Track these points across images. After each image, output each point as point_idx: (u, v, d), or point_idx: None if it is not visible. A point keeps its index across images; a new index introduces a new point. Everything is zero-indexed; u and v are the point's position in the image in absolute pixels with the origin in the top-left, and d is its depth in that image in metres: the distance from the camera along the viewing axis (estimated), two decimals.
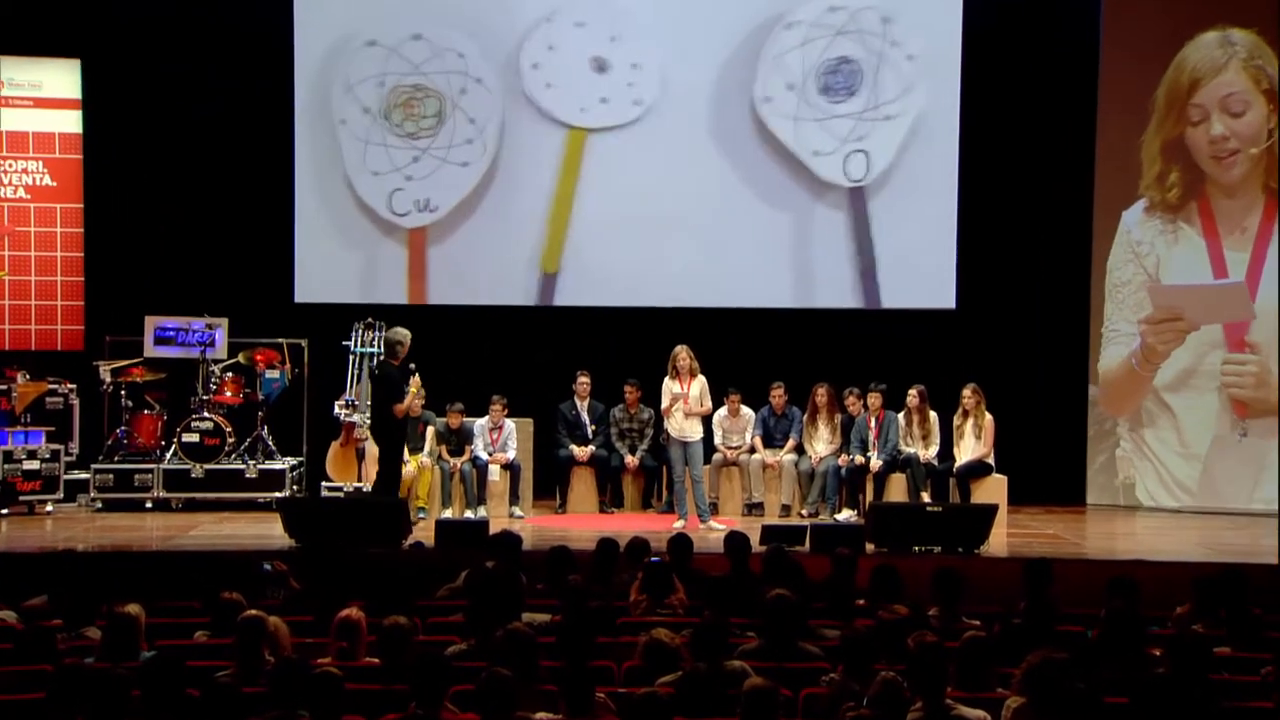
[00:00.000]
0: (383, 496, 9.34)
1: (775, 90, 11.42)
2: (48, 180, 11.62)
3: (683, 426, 9.90)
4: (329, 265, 11.57)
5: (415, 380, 9.49)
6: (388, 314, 10.85)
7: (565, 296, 11.58)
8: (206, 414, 10.72)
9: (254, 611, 5.41)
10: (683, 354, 9.89)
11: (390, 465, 9.52)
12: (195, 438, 10.67)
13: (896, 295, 11.54)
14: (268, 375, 11.04)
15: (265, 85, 11.53)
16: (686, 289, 11.53)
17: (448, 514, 10.36)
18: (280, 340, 11.23)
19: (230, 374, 10.99)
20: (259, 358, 11.06)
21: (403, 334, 9.53)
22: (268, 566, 7.06)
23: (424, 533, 9.11)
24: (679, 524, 9.77)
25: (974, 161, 11.48)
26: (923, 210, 11.42)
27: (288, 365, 11.14)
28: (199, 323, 10.98)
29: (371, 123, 11.45)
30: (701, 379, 9.96)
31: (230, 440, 10.72)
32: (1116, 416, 11.60)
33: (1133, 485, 11.50)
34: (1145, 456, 11.45)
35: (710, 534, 9.58)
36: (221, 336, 11.01)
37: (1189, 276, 11.23)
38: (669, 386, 9.95)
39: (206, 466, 10.62)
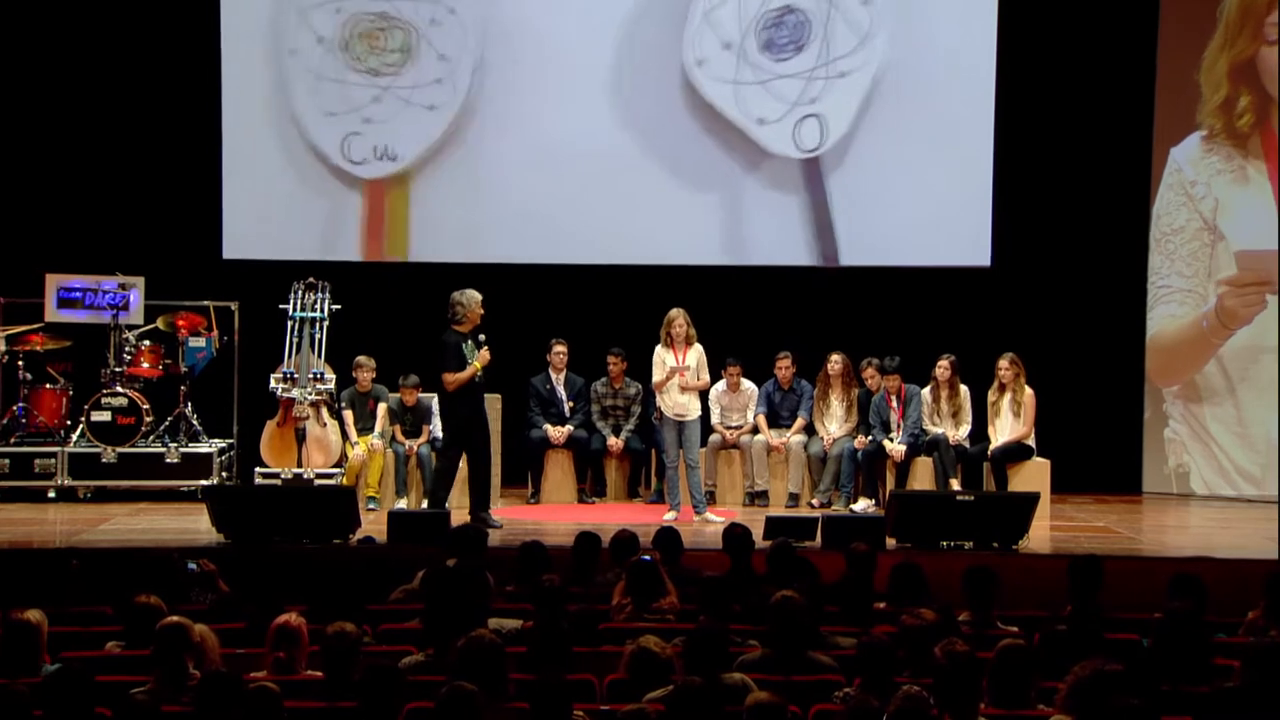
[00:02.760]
0: (439, 494, 9.47)
1: (710, 51, 11.37)
2: None
3: (678, 403, 9.89)
4: (263, 215, 11.53)
5: (484, 353, 9.43)
6: (332, 272, 10.81)
7: (530, 252, 11.55)
8: (119, 388, 10.68)
9: (176, 618, 5.39)
10: (679, 318, 9.88)
11: (449, 453, 9.53)
12: (106, 416, 10.63)
13: (918, 252, 11.54)
14: (191, 343, 11.00)
15: (189, 2, 11.44)
16: (675, 247, 11.55)
17: (402, 504, 10.37)
18: (206, 303, 11.19)
19: (147, 342, 10.95)
20: (181, 323, 11.01)
21: (465, 296, 9.50)
22: (193, 566, 7.06)
23: (375, 526, 9.11)
24: (670, 515, 9.79)
25: (1009, 98, 11.43)
26: (947, 156, 11.41)
27: (215, 332, 11.10)
28: (110, 282, 10.92)
29: (326, 54, 11.37)
30: (699, 348, 9.96)
31: (148, 419, 10.69)
32: (1166, 386, 11.61)
33: (1187, 474, 11.52)
34: (1200, 439, 11.46)
35: (706, 527, 9.60)
36: (137, 298, 10.96)
37: (1253, 223, 11.15)
38: (662, 356, 9.93)
39: (120, 450, 10.59)
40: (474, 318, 9.51)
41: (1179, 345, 11.53)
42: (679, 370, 9.83)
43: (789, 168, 11.49)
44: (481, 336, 9.50)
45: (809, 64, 11.39)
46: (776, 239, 11.56)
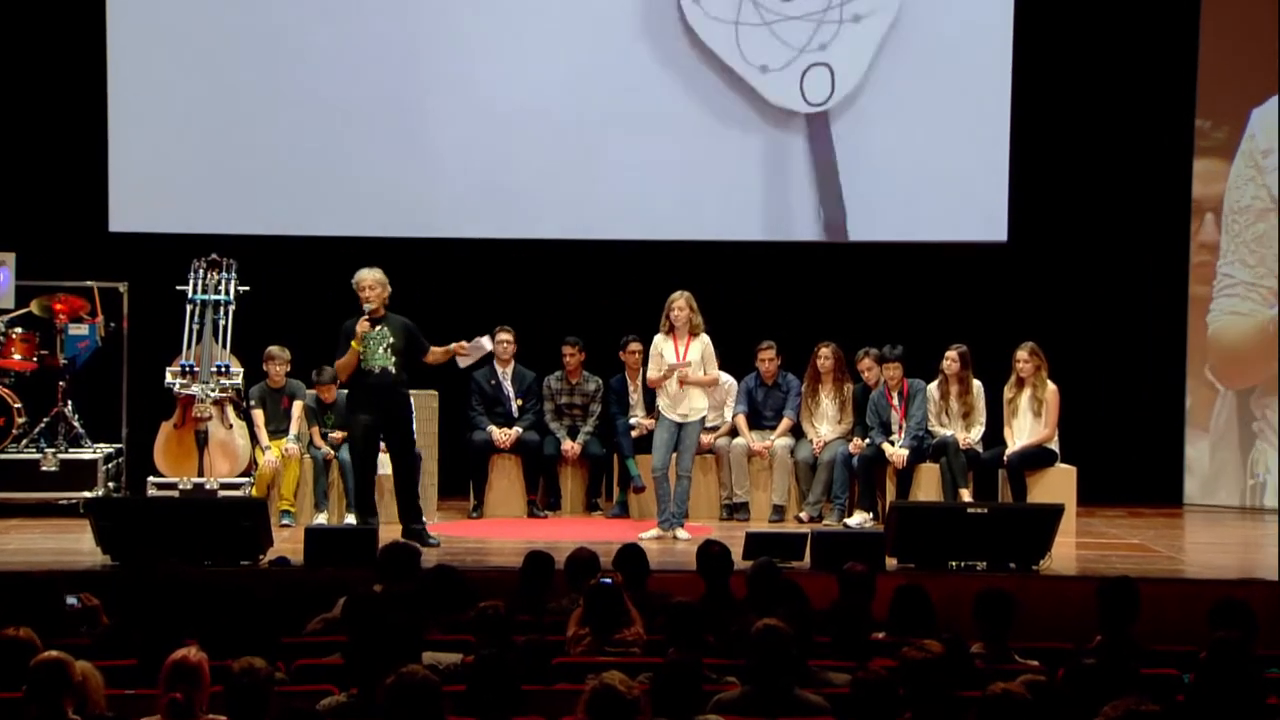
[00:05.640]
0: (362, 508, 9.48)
1: None
2: None
3: (676, 401, 9.89)
4: (157, 181, 11.47)
5: (360, 323, 9.35)
6: (239, 248, 10.76)
7: (476, 226, 11.53)
8: None
9: (53, 653, 5.35)
10: (679, 301, 9.90)
11: (353, 457, 9.55)
12: None
13: (922, 225, 11.59)
14: (72, 331, 10.94)
15: None
16: (640, 219, 11.57)
17: (322, 519, 10.35)
18: (90, 283, 11.13)
19: (19, 329, 10.88)
20: (60, 307, 10.95)
21: (360, 275, 9.46)
22: (73, 601, 7.01)
23: (290, 545, 9.09)
24: (653, 533, 9.80)
25: (1029, 50, 11.46)
26: (959, 116, 11.47)
27: (100, 318, 11.05)
28: None
29: None
30: (705, 339, 9.99)
31: (19, 420, 10.65)
32: (1230, 387, 11.62)
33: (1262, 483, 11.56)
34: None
35: (677, 545, 9.61)
36: (6, 278, 10.90)
37: None
38: (660, 347, 9.95)
39: None
40: (363, 299, 9.44)
41: (1244, 348, 11.43)
42: (678, 367, 9.83)
43: (794, 123, 11.53)
44: (366, 306, 9.42)
45: (820, 4, 11.44)
46: (773, 208, 11.60)
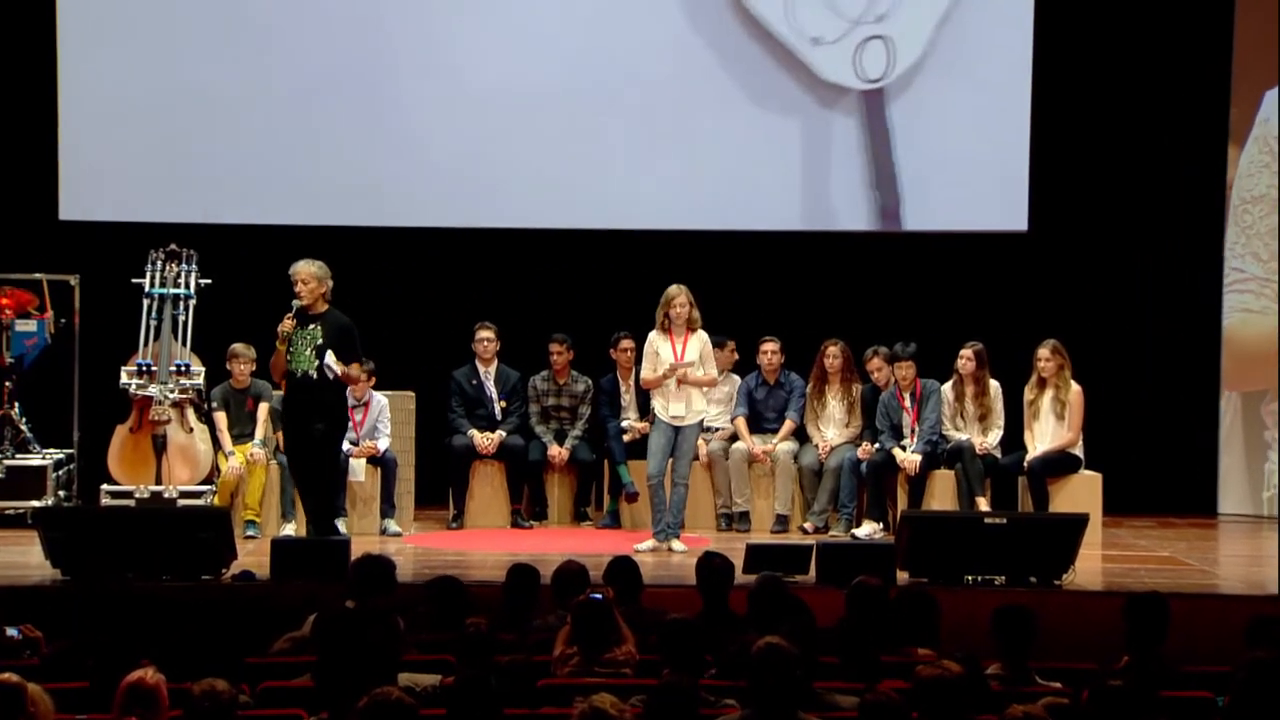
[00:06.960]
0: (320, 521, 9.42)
1: None
2: None
3: (674, 403, 9.90)
4: (112, 166, 11.46)
5: (283, 323, 9.24)
6: (201, 238, 10.75)
7: (456, 214, 11.53)
8: None
9: (8, 676, 5.34)
10: (680, 297, 9.89)
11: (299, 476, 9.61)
12: None
13: (937, 213, 11.61)
14: (19, 328, 10.94)
15: None
16: (644, 207, 11.58)
17: (289, 530, 10.34)
18: (38, 276, 11.13)
19: None
20: (5, 302, 10.94)
21: (295, 266, 9.34)
22: (13, 633, 6.99)
23: (255, 558, 9.09)
24: (648, 545, 9.80)
25: (1051, 25, 11.47)
26: (978, 97, 11.49)
27: (49, 313, 11.04)
28: None
29: None
30: (703, 335, 9.98)
31: None
32: (1236, 389, 11.63)
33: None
34: None
35: (672, 557, 9.61)
36: None
37: None
38: (655, 345, 9.95)
39: None
40: (295, 293, 9.31)
41: (1256, 349, 11.46)
42: (679, 366, 9.81)
43: (846, 101, 11.55)
44: (294, 301, 9.30)
45: None
46: (819, 191, 11.59)
